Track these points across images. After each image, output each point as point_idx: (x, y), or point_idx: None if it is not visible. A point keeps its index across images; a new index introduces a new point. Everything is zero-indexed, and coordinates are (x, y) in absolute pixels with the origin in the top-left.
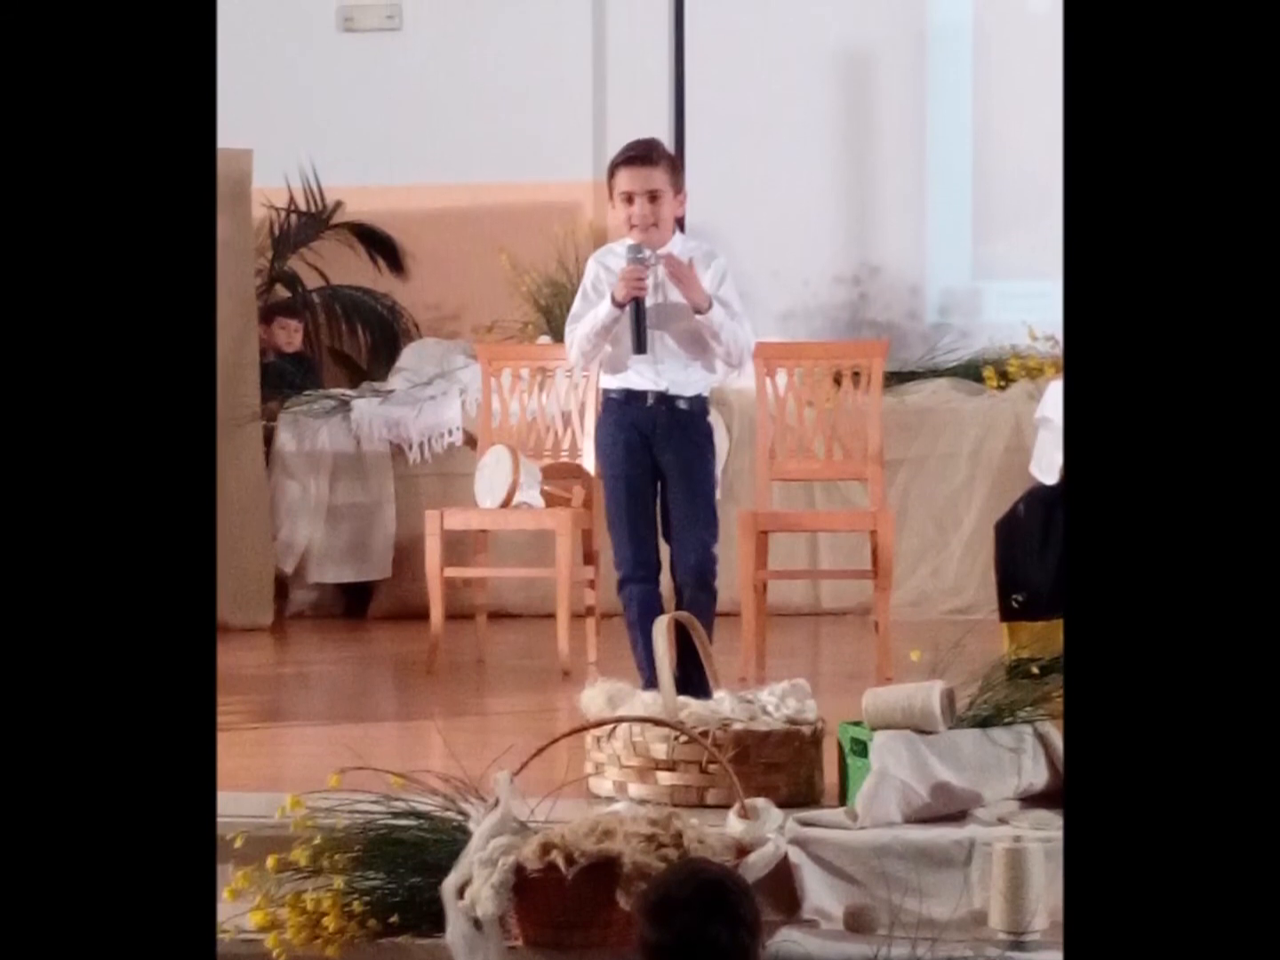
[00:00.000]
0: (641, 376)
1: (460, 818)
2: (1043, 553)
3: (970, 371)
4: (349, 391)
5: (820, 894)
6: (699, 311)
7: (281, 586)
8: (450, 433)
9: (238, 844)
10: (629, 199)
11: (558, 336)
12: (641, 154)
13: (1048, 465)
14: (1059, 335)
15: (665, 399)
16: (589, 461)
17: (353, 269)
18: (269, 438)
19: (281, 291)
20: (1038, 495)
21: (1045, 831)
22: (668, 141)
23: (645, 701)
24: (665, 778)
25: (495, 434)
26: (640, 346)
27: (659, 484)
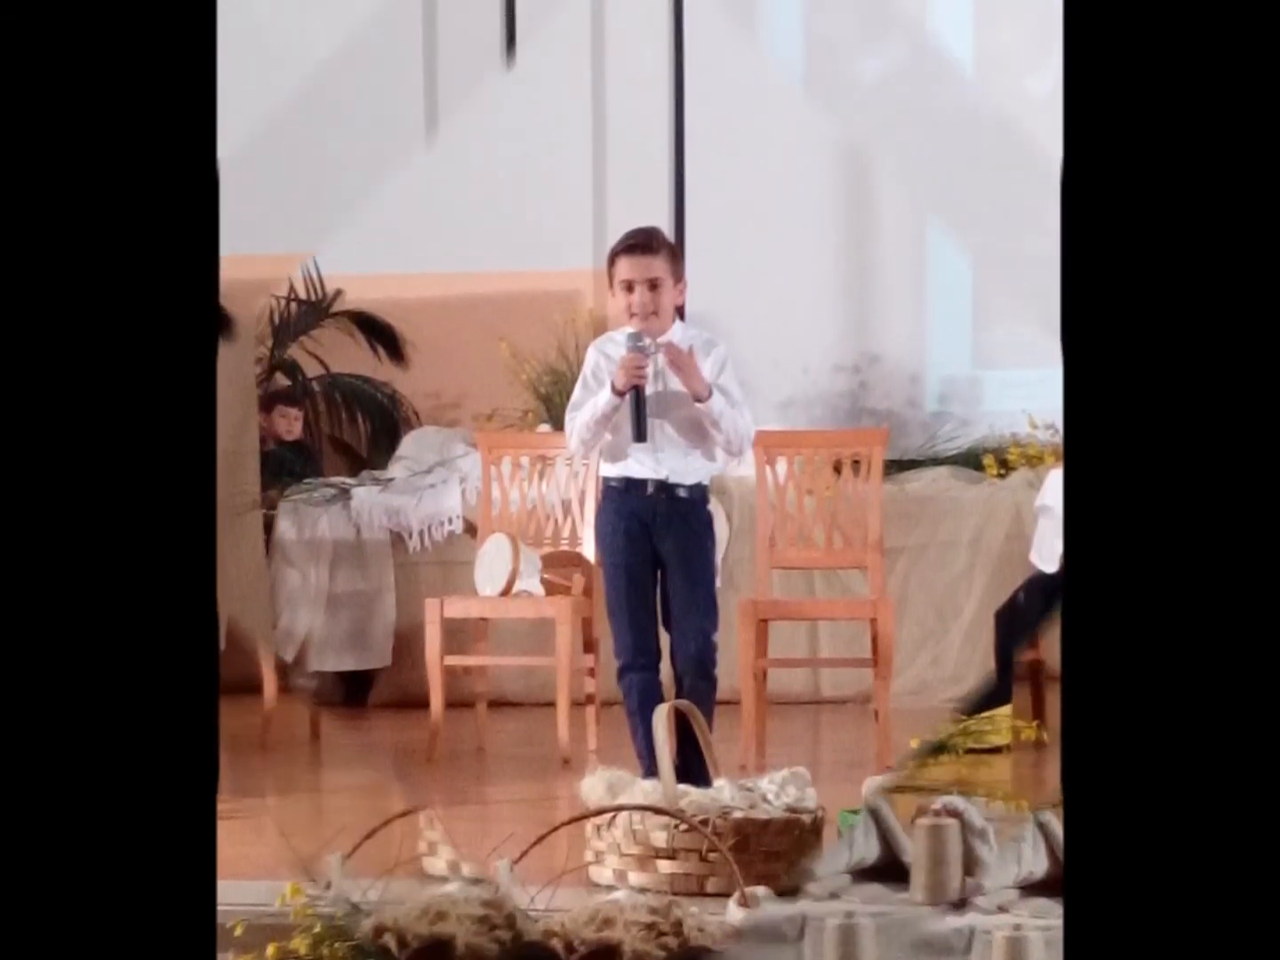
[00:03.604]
0: (641, 465)
1: None
2: None
3: (970, 459)
4: (349, 480)
5: None
6: (699, 400)
7: (282, 674)
8: (450, 521)
9: (238, 932)
10: (629, 287)
11: (558, 425)
12: (642, 242)
13: (1048, 553)
14: (1059, 423)
15: (665, 487)
16: (589, 549)
17: (353, 357)
18: (269, 526)
19: (281, 380)
20: (1038, 583)
21: (1045, 920)
22: (668, 230)
23: (645, 790)
24: (665, 866)
25: (495, 522)
26: (640, 435)
27: (659, 572)
